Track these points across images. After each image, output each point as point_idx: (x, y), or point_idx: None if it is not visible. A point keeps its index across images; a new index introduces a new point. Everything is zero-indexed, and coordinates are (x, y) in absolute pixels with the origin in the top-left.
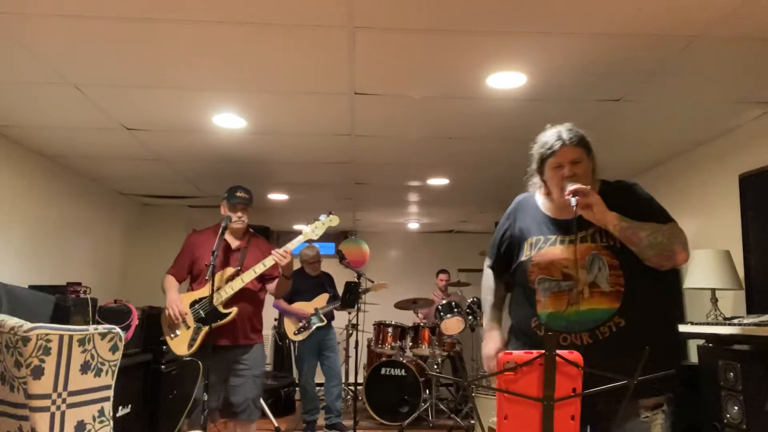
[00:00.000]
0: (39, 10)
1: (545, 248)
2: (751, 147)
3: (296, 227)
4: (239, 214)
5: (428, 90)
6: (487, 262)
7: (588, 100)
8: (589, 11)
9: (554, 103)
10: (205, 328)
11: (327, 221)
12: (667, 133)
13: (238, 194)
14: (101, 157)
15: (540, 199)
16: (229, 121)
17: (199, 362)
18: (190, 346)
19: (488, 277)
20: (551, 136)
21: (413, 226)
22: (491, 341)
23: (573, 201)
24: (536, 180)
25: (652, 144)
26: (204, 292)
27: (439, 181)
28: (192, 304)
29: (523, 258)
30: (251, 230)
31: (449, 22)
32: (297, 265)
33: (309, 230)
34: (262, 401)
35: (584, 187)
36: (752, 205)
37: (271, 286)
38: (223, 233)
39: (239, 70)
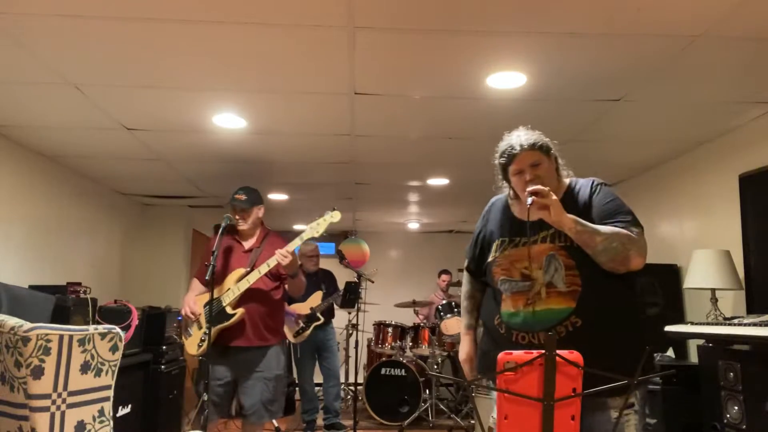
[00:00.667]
0: (39, 10)
1: (508, 249)
2: (751, 147)
3: (296, 227)
4: (237, 216)
5: (428, 90)
6: (465, 266)
7: (588, 100)
8: (589, 11)
9: (554, 103)
10: (214, 329)
11: (329, 217)
12: (667, 133)
13: (236, 196)
14: (101, 157)
15: (510, 200)
16: (229, 121)
17: (209, 363)
18: (200, 346)
19: (465, 282)
20: (507, 143)
21: (413, 226)
22: (464, 346)
23: (529, 200)
24: (503, 184)
25: (652, 144)
26: (219, 292)
27: (439, 181)
28: (206, 305)
29: (489, 259)
30: (269, 229)
31: (449, 22)
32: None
33: (312, 227)
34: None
35: (543, 188)
36: (752, 205)
37: (287, 285)
38: (222, 233)
39: (239, 70)
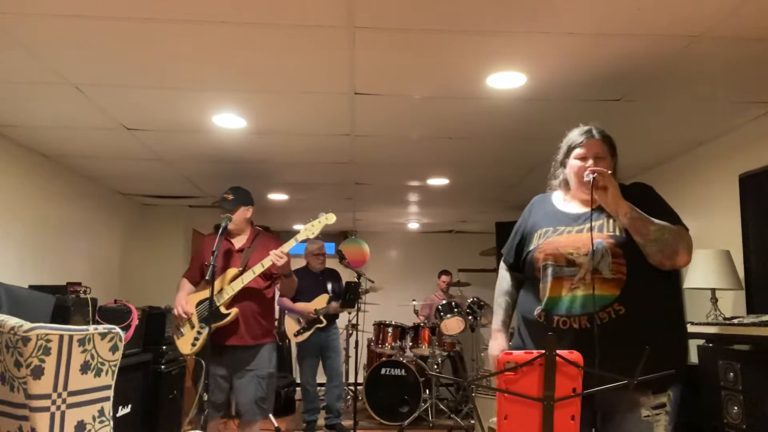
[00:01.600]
0: (39, 9)
1: (552, 237)
2: (751, 147)
3: (296, 227)
4: (228, 216)
5: (428, 90)
6: (503, 260)
7: (588, 100)
8: (589, 11)
9: (554, 103)
10: (207, 328)
11: (324, 219)
12: (667, 133)
13: (224, 196)
14: (101, 157)
15: (555, 196)
16: (229, 121)
17: (202, 362)
18: (193, 345)
19: (502, 279)
20: (581, 130)
21: (413, 226)
22: (496, 342)
23: (590, 176)
24: (558, 173)
25: (652, 144)
26: (208, 293)
27: (439, 181)
28: (198, 304)
29: (531, 248)
30: (259, 229)
31: (449, 22)
32: (302, 262)
33: (308, 228)
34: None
35: (604, 170)
36: (752, 205)
37: (278, 285)
38: (222, 233)
39: (239, 70)
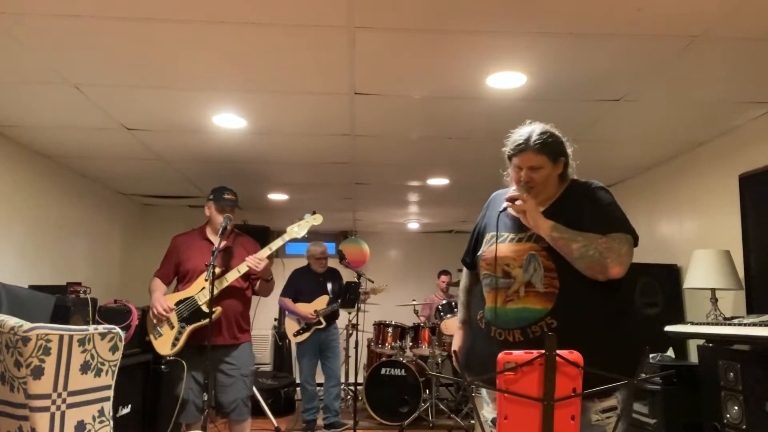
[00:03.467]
0: (39, 9)
1: (495, 245)
2: (751, 147)
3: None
4: (228, 215)
5: (428, 90)
6: (462, 258)
7: (588, 100)
8: (589, 11)
9: (554, 103)
10: (189, 328)
11: (311, 219)
12: (667, 133)
13: (226, 196)
14: (101, 157)
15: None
16: (229, 121)
17: (183, 362)
18: (174, 345)
19: (464, 276)
20: (519, 134)
21: (413, 226)
22: (456, 340)
23: (503, 206)
24: (509, 174)
25: (652, 144)
26: (189, 292)
27: (439, 181)
28: (176, 304)
29: (479, 252)
30: (236, 230)
31: (449, 22)
32: (303, 261)
33: (293, 229)
34: (261, 401)
35: (519, 195)
36: (752, 205)
37: (256, 286)
38: (223, 233)
39: (239, 70)
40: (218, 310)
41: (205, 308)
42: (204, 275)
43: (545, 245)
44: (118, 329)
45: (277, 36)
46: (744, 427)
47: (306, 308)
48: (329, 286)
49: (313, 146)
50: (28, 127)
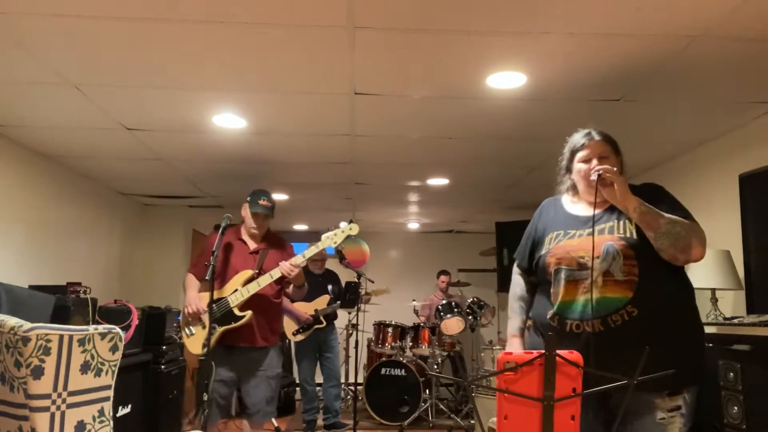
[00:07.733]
0: (39, 9)
1: (563, 241)
2: (751, 147)
3: (296, 227)
4: (258, 222)
5: (428, 90)
6: (516, 264)
7: (588, 100)
8: (589, 11)
9: (554, 103)
10: (220, 329)
11: (348, 230)
12: (667, 133)
13: (261, 202)
14: (101, 157)
15: (564, 199)
16: (229, 121)
17: (213, 362)
18: (204, 346)
19: (516, 284)
20: (581, 133)
21: (413, 226)
22: (512, 348)
23: (595, 175)
24: (565, 179)
25: (651, 144)
26: (222, 293)
27: (439, 181)
28: (210, 305)
29: (542, 252)
30: (273, 232)
31: (449, 22)
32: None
33: (330, 237)
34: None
35: (610, 167)
36: (752, 205)
37: (288, 290)
38: (223, 233)
39: (239, 70)
40: (249, 313)
41: (237, 311)
42: (238, 277)
43: (621, 235)
44: (118, 329)
45: (277, 36)
46: (744, 427)
47: (305, 308)
48: (329, 287)
49: (313, 146)
50: (28, 127)
